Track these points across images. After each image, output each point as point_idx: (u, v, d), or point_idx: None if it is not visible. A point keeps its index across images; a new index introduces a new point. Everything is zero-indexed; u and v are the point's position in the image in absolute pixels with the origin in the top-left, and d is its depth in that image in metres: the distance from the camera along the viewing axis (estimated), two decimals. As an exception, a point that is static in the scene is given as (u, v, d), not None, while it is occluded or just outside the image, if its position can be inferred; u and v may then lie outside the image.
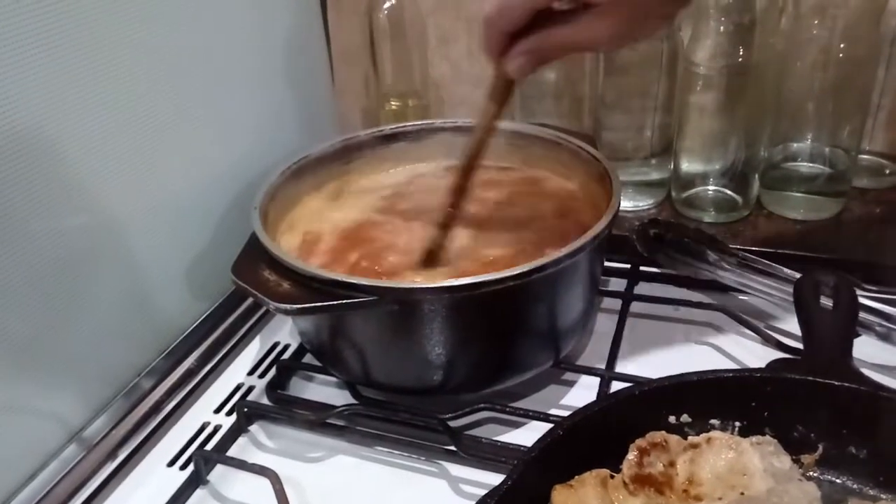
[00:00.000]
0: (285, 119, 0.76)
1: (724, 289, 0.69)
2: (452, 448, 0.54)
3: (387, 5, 0.84)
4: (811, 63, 0.76)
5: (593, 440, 0.45)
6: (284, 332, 0.69)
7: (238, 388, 0.63)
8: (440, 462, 0.55)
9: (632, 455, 0.45)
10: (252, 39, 0.70)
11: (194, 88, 0.63)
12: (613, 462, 0.46)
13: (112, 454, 0.57)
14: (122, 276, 0.58)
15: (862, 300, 0.58)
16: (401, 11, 0.85)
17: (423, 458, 0.56)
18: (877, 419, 0.45)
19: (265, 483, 0.50)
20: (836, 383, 0.46)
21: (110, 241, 0.57)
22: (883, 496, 0.44)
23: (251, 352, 0.68)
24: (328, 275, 0.51)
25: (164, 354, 0.62)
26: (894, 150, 0.84)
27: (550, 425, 0.45)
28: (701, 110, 0.81)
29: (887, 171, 0.84)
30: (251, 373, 0.65)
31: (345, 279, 0.50)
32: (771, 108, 0.80)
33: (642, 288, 0.70)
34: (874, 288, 0.62)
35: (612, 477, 0.44)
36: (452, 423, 0.55)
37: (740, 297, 0.69)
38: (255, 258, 0.55)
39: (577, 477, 0.44)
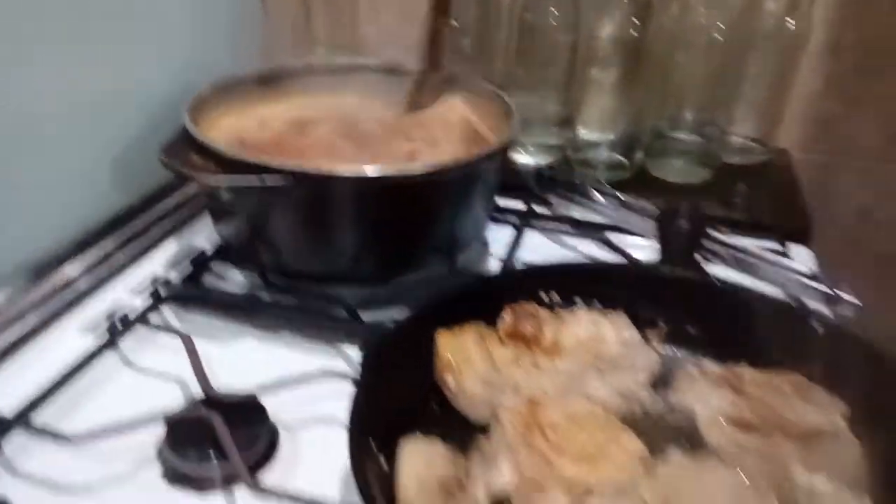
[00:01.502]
0: (214, 42, 0.81)
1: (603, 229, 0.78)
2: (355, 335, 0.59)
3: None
4: (696, 48, 0.87)
5: (477, 306, 0.52)
6: (202, 237, 0.73)
7: (154, 279, 0.67)
8: (343, 346, 0.60)
9: (507, 315, 0.52)
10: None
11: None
12: (493, 325, 0.53)
13: (20, 318, 0.59)
14: (43, 164, 0.61)
15: (717, 235, 0.68)
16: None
17: (329, 343, 0.60)
18: (710, 305, 0.54)
19: (175, 354, 0.54)
20: (679, 274, 0.55)
21: (33, 130, 0.60)
22: (704, 361, 0.52)
23: (168, 250, 0.72)
24: (251, 158, 0.56)
25: (83, 236, 0.65)
26: (760, 134, 0.96)
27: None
28: (599, 84, 0.90)
29: (753, 152, 0.96)
30: (167, 267, 0.69)
31: (266, 162, 0.56)
32: (659, 85, 0.90)
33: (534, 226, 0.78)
34: (729, 231, 0.73)
35: (489, 331, 0.51)
36: (359, 311, 0.60)
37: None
38: (183, 145, 0.59)
39: (459, 327, 0.50)
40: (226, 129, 0.68)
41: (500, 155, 0.61)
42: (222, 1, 0.84)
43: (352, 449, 0.38)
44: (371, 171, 0.55)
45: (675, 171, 0.91)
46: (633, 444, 0.44)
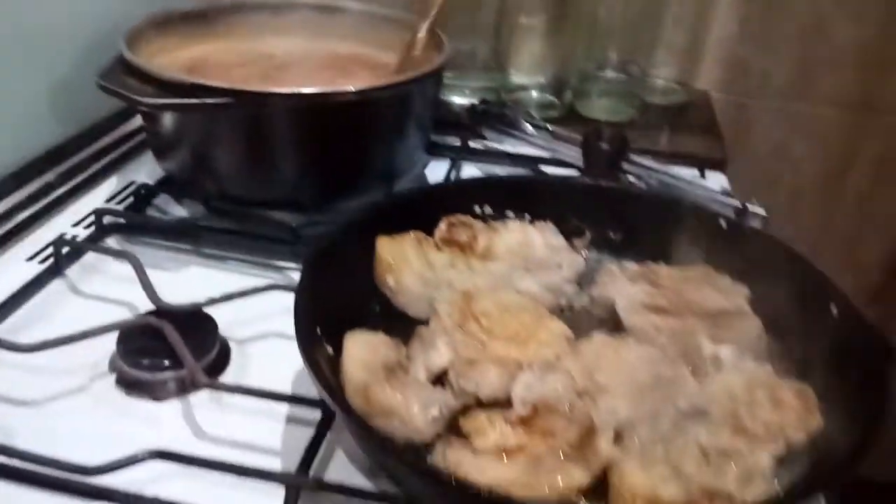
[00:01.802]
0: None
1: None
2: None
3: None
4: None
5: (414, 216, 0.56)
6: (143, 173, 0.74)
7: (96, 211, 0.68)
8: (286, 266, 0.63)
9: (442, 224, 0.56)
10: None
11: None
12: (430, 235, 0.56)
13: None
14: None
15: (637, 159, 0.73)
16: None
17: (272, 264, 0.62)
18: (629, 212, 0.59)
19: (121, 281, 0.56)
20: (601, 184, 0.59)
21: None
22: (625, 262, 0.57)
23: (110, 185, 0.72)
24: (190, 79, 0.58)
25: (23, 165, 0.66)
26: (681, 77, 1.01)
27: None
28: (528, 30, 0.94)
29: (674, 93, 1.01)
30: (109, 201, 0.70)
31: (206, 82, 0.57)
32: (585, 30, 0.94)
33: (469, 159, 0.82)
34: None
35: (426, 239, 0.55)
36: (301, 231, 0.62)
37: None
38: (121, 71, 0.60)
39: (398, 234, 0.54)
40: (160, 63, 0.69)
41: (433, 79, 0.64)
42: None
43: (299, 333, 0.41)
44: (308, 89, 0.57)
45: (602, 109, 0.96)
46: (558, 327, 0.48)
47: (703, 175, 0.81)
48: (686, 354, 0.47)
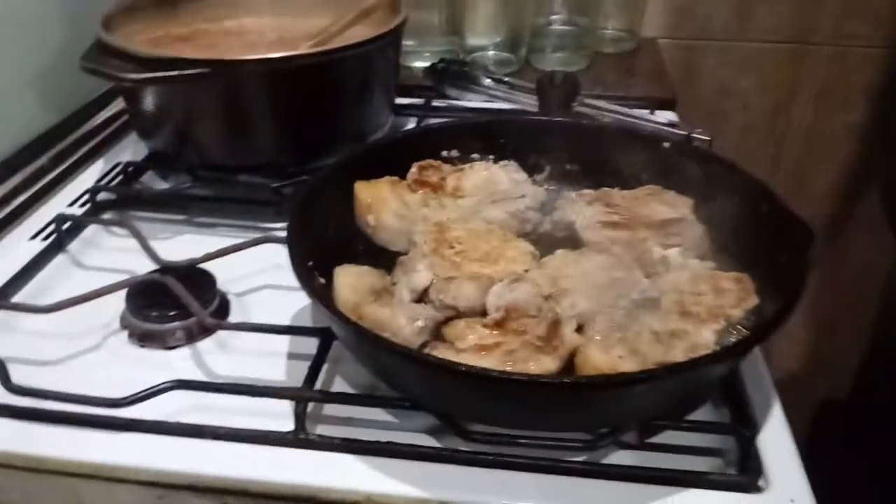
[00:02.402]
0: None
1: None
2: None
3: None
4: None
5: (387, 163, 0.61)
6: (129, 152, 0.79)
7: (90, 189, 0.72)
8: (271, 225, 0.67)
9: (413, 168, 0.61)
10: None
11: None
12: (403, 178, 0.61)
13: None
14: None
15: (590, 100, 0.79)
16: None
17: (260, 223, 0.67)
18: (583, 144, 0.64)
19: (121, 252, 0.61)
20: (556, 120, 0.65)
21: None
22: (584, 190, 0.62)
23: (99, 166, 0.77)
24: (167, 53, 0.62)
25: (16, 151, 0.70)
26: (628, 26, 1.07)
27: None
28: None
29: (623, 41, 1.07)
30: (100, 181, 0.74)
31: (182, 55, 0.62)
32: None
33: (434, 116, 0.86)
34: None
35: (400, 182, 0.60)
36: (283, 191, 0.67)
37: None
38: (100, 53, 0.64)
39: (374, 179, 0.59)
40: (136, 42, 0.73)
41: (392, 38, 0.69)
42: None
43: (294, 262, 0.46)
44: (276, 54, 0.62)
45: (556, 61, 1.01)
46: (524, 246, 0.54)
47: (652, 113, 0.87)
48: (639, 259, 0.53)
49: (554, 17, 1.01)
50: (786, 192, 1.32)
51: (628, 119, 0.78)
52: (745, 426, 0.46)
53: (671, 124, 0.79)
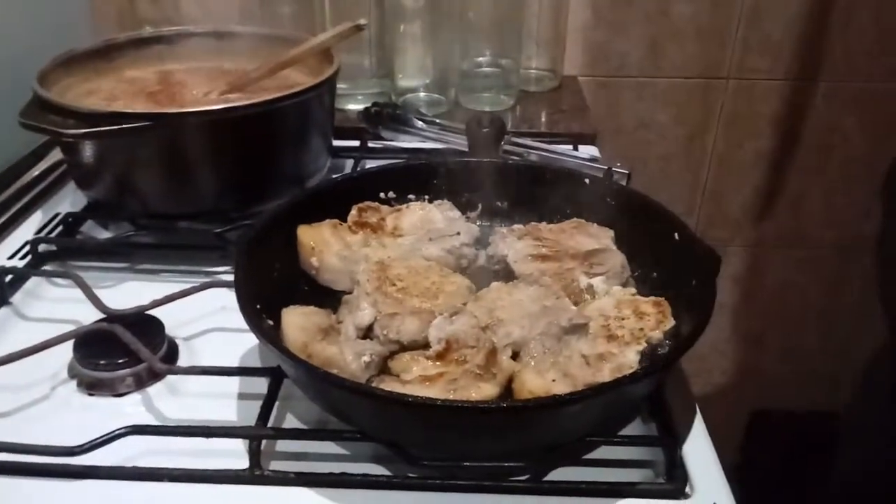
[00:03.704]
0: (45, 26, 0.86)
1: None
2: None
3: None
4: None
5: (327, 206, 0.64)
6: (65, 203, 0.79)
7: (27, 243, 0.72)
8: (215, 269, 0.69)
9: (354, 211, 0.64)
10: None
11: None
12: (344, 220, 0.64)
13: None
14: None
15: (516, 139, 0.83)
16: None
17: (204, 269, 0.69)
18: (511, 183, 0.69)
19: (64, 302, 0.62)
20: (486, 160, 0.69)
21: None
22: (514, 225, 0.66)
23: (37, 218, 0.77)
24: (106, 108, 0.64)
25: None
26: (550, 65, 1.13)
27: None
28: (408, 37, 1.03)
29: (546, 80, 1.13)
30: (38, 232, 0.75)
31: (123, 109, 0.64)
32: (459, 32, 1.04)
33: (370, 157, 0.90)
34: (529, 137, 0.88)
35: (341, 224, 0.63)
36: (226, 236, 0.69)
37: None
38: (38, 109, 0.66)
39: (315, 223, 0.62)
40: (72, 98, 0.75)
41: (327, 88, 0.72)
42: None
43: (242, 305, 0.49)
44: (217, 106, 0.64)
45: (484, 100, 1.06)
46: (461, 281, 0.58)
47: (576, 148, 0.93)
48: (567, 288, 0.57)
49: (480, 58, 1.06)
50: (706, 215, 1.40)
51: (553, 156, 0.83)
52: (669, 438, 0.50)
53: (593, 159, 0.84)
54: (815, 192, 1.30)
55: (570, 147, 0.93)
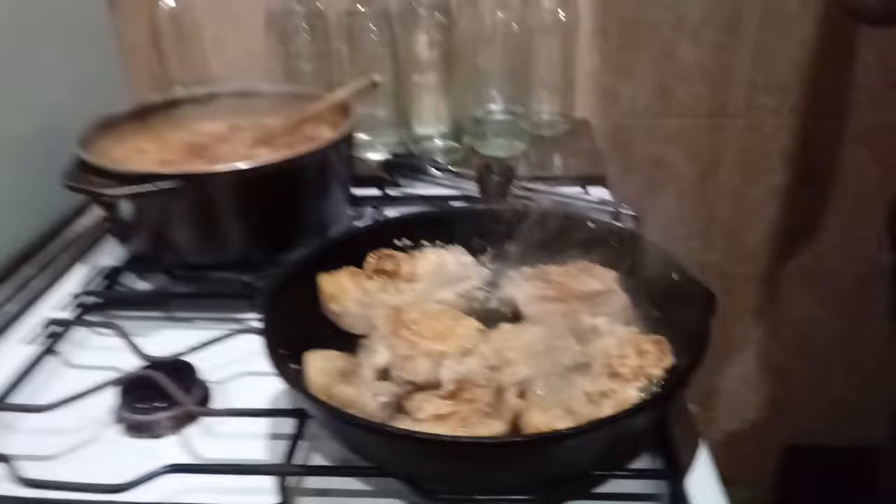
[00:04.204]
0: (83, 92, 0.93)
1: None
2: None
3: (164, 8, 1.05)
4: (494, 45, 1.07)
5: (345, 254, 0.68)
6: (107, 256, 0.85)
7: (76, 294, 0.77)
8: (245, 316, 0.74)
9: (371, 258, 0.68)
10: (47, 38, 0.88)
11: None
12: (361, 267, 0.69)
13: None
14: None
15: (525, 184, 0.88)
16: (178, 12, 1.06)
17: (235, 316, 0.73)
18: (521, 228, 0.73)
19: (108, 351, 0.67)
20: (494, 207, 0.73)
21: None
22: (522, 268, 0.70)
23: (81, 272, 0.83)
24: (143, 170, 0.70)
25: (5, 260, 0.77)
26: (561, 110, 1.18)
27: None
28: (423, 87, 1.09)
29: (558, 124, 1.18)
30: (85, 284, 0.80)
31: (158, 171, 0.69)
32: (472, 81, 1.10)
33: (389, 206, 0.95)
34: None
35: (359, 271, 0.67)
36: (255, 284, 0.74)
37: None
38: (80, 171, 0.72)
39: (335, 271, 0.66)
40: (110, 158, 0.81)
41: (346, 142, 0.78)
42: (84, 58, 0.97)
43: (269, 351, 0.53)
44: (243, 164, 0.70)
45: (497, 146, 1.11)
46: (472, 323, 0.61)
47: (585, 191, 0.96)
48: (572, 328, 0.61)
49: (492, 106, 1.11)
50: (723, 251, 1.43)
51: (562, 199, 0.87)
52: (672, 470, 0.53)
53: (602, 201, 0.88)
54: (833, 226, 1.32)
55: (581, 189, 0.97)
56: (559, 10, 1.09)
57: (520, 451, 0.46)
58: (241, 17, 1.16)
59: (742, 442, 1.51)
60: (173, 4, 1.07)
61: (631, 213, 0.83)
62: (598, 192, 0.97)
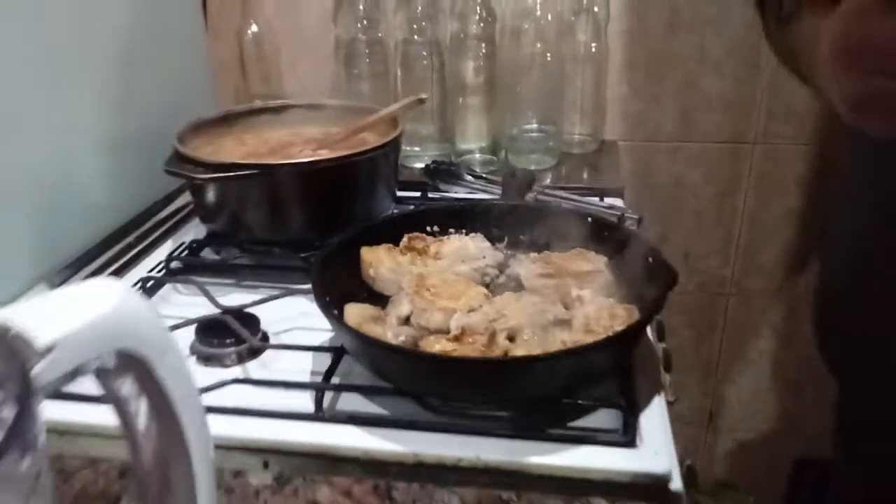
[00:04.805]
0: (183, 95, 1.12)
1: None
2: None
3: (250, 32, 1.24)
4: (532, 73, 1.22)
5: (384, 235, 0.84)
6: (189, 234, 1.03)
7: (164, 260, 0.95)
8: (299, 286, 0.89)
9: (405, 238, 0.83)
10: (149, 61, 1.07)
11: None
12: (397, 246, 0.84)
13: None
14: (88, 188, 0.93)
15: (547, 190, 1.02)
16: (261, 37, 1.25)
17: (290, 288, 0.89)
18: (532, 221, 0.87)
19: (189, 306, 0.83)
20: (511, 203, 0.88)
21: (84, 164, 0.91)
22: (531, 253, 0.84)
23: (169, 244, 1.01)
24: (229, 160, 0.87)
25: (112, 230, 0.94)
26: (592, 131, 1.31)
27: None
28: (468, 108, 1.25)
29: (587, 144, 1.31)
30: (172, 253, 0.98)
31: (238, 161, 0.86)
32: (511, 103, 1.25)
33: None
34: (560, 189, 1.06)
35: (394, 248, 0.83)
36: (309, 260, 0.90)
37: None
38: (177, 161, 0.89)
39: (374, 246, 0.82)
40: (201, 154, 0.98)
41: (392, 147, 0.93)
42: (183, 72, 1.16)
43: (317, 295, 0.68)
44: (305, 159, 0.86)
45: (530, 160, 1.25)
46: (480, 290, 0.75)
47: (601, 200, 1.10)
48: (562, 298, 0.74)
49: (527, 125, 1.26)
50: (740, 268, 1.52)
51: (573, 202, 1.00)
52: (629, 403, 0.65)
53: (610, 206, 1.01)
54: (845, 247, 1.40)
55: (597, 199, 1.10)
56: (592, 43, 1.23)
57: (499, 369, 0.60)
58: (313, 42, 1.35)
59: (754, 452, 1.59)
60: (257, 30, 1.26)
61: (634, 216, 0.96)
62: (612, 202, 1.10)
